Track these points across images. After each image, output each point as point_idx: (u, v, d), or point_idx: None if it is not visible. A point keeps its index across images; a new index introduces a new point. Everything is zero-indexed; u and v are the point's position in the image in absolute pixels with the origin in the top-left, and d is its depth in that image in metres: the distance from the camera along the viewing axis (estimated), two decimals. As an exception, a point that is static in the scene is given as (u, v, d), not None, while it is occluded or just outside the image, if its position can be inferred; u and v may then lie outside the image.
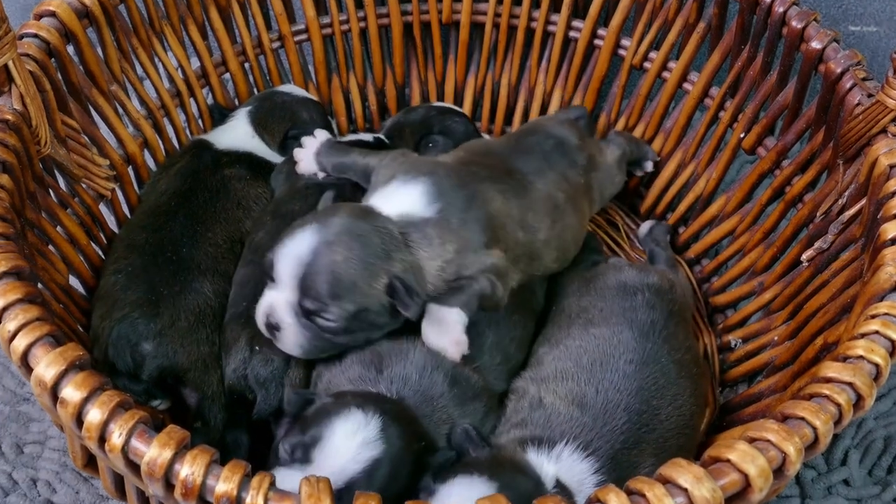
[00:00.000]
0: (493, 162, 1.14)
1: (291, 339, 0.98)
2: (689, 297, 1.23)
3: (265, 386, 1.04)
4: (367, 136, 1.38)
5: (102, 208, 1.21)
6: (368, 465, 0.83)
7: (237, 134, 1.35)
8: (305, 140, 1.24)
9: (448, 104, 1.46)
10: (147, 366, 1.06)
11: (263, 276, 1.03)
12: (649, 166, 1.44)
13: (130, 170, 1.27)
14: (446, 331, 0.99)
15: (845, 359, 0.80)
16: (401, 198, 1.03)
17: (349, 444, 0.84)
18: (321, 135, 1.25)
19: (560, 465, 0.89)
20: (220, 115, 1.42)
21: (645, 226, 1.44)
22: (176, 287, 1.10)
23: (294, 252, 0.96)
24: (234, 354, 1.07)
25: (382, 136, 1.38)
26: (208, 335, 1.10)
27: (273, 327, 0.99)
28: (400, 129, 1.39)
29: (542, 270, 1.15)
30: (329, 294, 0.94)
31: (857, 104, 1.06)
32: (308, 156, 1.23)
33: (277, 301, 0.98)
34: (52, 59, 1.09)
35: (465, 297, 1.00)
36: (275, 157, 1.35)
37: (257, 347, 1.06)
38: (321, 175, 1.22)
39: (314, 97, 1.47)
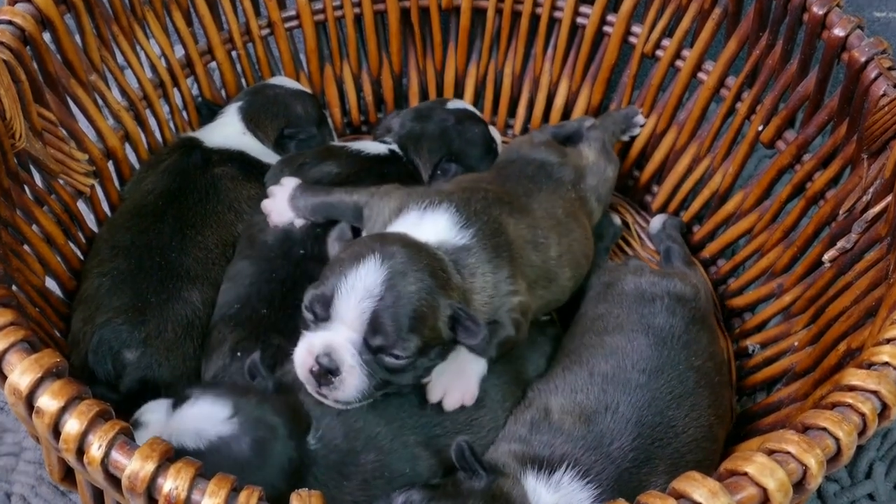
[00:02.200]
0: (491, 188, 1.15)
1: (353, 383, 0.92)
2: (710, 300, 1.23)
3: None
4: (381, 147, 1.35)
5: (81, 206, 1.21)
6: (205, 446, 0.87)
7: (228, 131, 1.35)
8: (273, 189, 1.20)
9: (463, 103, 1.45)
10: (127, 376, 1.06)
11: (301, 315, 0.96)
12: (640, 120, 1.47)
13: (111, 165, 1.27)
14: (462, 380, 0.98)
15: (870, 365, 0.80)
16: (430, 225, 1.02)
17: (194, 421, 0.89)
18: (289, 181, 1.20)
19: (559, 494, 0.90)
20: (208, 111, 1.41)
21: (657, 220, 1.44)
22: (164, 295, 1.10)
23: (362, 285, 0.91)
24: (214, 359, 1.07)
25: (396, 148, 1.36)
26: (195, 349, 1.10)
27: (330, 372, 0.92)
28: (416, 140, 1.36)
29: (560, 294, 1.16)
30: (406, 328, 0.90)
31: (883, 95, 1.06)
32: (281, 203, 1.18)
33: (337, 342, 0.91)
34: (28, 48, 1.08)
35: (492, 347, 1.00)
36: (268, 156, 1.35)
37: (239, 354, 1.06)
38: (299, 222, 1.18)
39: (308, 90, 1.47)
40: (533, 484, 0.90)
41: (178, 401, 0.92)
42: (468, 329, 0.94)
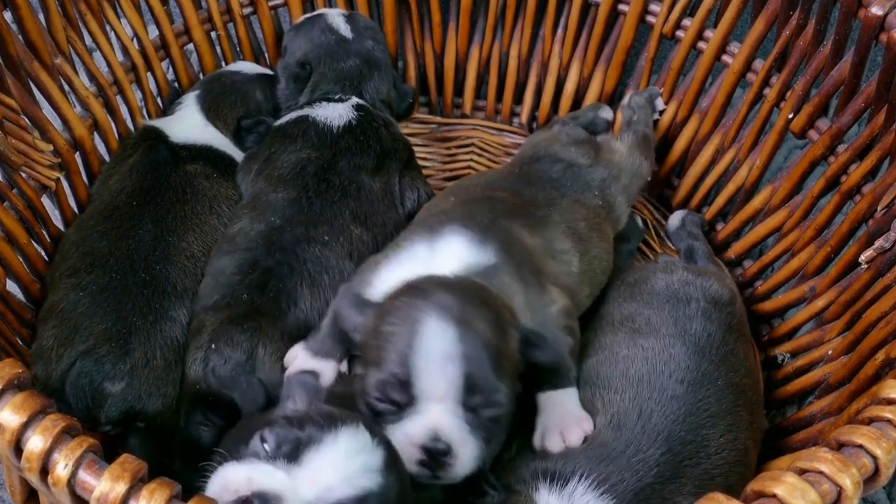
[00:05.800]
0: (503, 195, 1.14)
1: (467, 454, 0.90)
2: (743, 304, 1.22)
3: (235, 384, 1.05)
4: (345, 109, 1.32)
5: (45, 201, 1.20)
6: (360, 494, 0.81)
7: (189, 124, 1.33)
8: (287, 366, 1.08)
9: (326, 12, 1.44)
10: (109, 408, 1.04)
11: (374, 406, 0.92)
12: (660, 104, 1.48)
13: (78, 156, 1.27)
14: (568, 415, 0.98)
15: (911, 377, 0.80)
16: (448, 253, 1.00)
17: (349, 463, 0.82)
18: (298, 352, 1.08)
19: None
20: (170, 101, 1.39)
21: (676, 217, 1.44)
22: (151, 317, 1.08)
23: (439, 353, 0.89)
24: (192, 352, 1.08)
25: (358, 101, 1.34)
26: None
27: (441, 454, 0.90)
28: (366, 79, 1.38)
29: (578, 312, 1.16)
30: (496, 373, 0.90)
31: (925, 80, 1.06)
32: (305, 364, 1.06)
33: (439, 420, 0.89)
34: (-13, 28, 1.09)
35: (565, 373, 1.00)
36: (237, 151, 1.33)
37: (213, 346, 1.06)
38: (331, 368, 1.07)
39: (270, 72, 1.45)
40: (545, 497, 0.91)
41: (287, 453, 0.82)
42: (539, 345, 0.95)
